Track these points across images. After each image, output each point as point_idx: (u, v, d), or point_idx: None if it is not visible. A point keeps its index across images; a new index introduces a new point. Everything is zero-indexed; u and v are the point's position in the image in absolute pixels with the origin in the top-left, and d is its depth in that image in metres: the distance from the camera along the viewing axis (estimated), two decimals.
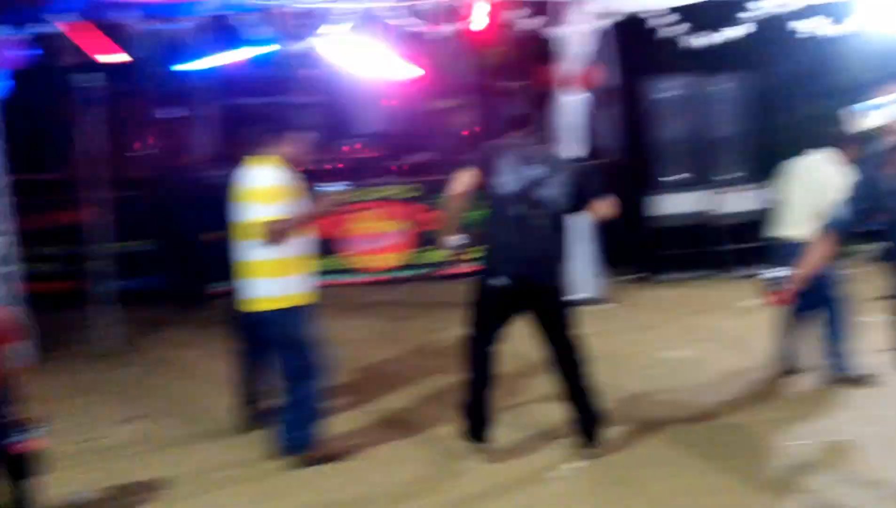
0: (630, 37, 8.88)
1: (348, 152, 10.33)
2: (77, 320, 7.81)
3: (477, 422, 4.39)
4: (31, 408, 5.24)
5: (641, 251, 8.96)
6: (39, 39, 6.31)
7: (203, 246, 5.64)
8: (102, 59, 9.51)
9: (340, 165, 9.95)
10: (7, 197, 6.57)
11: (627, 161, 9.84)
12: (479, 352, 4.36)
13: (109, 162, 7.24)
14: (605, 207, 4.40)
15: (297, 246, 4.24)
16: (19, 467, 3.65)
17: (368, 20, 7.97)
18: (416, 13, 7.41)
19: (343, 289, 8.83)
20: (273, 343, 4.38)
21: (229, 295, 4.78)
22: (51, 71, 7.57)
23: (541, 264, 4.27)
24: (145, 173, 9.89)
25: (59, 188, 9.59)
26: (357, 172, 9.58)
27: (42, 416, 3.75)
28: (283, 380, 4.40)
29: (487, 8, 7.65)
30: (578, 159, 7.60)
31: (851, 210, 3.52)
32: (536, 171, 4.26)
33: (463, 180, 4.33)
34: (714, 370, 5.73)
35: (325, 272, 8.85)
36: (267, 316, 4.25)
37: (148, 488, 4.31)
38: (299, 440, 4.36)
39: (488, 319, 4.36)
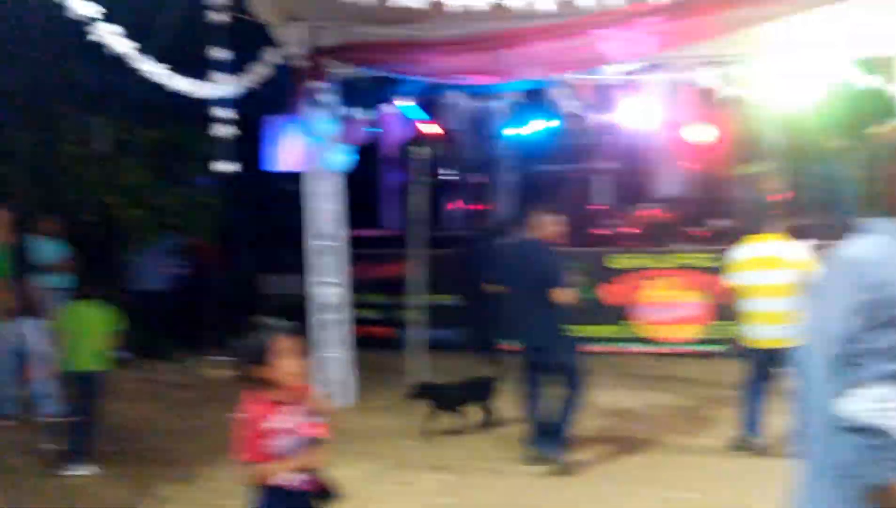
0: None
1: (645, 217, 10.21)
2: (392, 363, 8.64)
3: None
4: (352, 445, 5.92)
5: None
6: (378, 118, 7.18)
7: (495, 304, 6.12)
8: (429, 132, 10.65)
9: (637, 230, 9.90)
10: (345, 251, 7.47)
11: None
12: None
13: (429, 222, 8.00)
14: None
15: None
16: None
17: (668, 87, 8.04)
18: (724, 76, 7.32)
19: (633, 358, 8.76)
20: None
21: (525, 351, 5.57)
22: (384, 143, 8.57)
23: None
24: (457, 233, 10.73)
25: (385, 244, 10.76)
26: (654, 238, 9.52)
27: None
28: None
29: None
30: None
31: None
32: None
33: None
34: None
35: (618, 340, 8.93)
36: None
37: None
38: None
39: None
